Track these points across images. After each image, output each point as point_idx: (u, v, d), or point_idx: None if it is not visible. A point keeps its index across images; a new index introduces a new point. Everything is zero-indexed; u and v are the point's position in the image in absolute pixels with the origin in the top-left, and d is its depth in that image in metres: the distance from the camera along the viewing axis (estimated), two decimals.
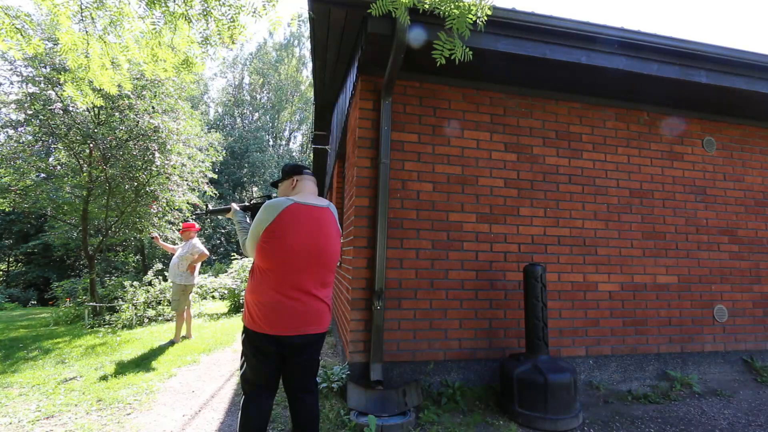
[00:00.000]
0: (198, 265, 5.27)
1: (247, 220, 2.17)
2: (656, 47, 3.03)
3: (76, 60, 2.53)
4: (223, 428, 2.63)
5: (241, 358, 1.92)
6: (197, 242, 5.27)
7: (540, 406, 2.66)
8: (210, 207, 2.42)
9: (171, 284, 5.44)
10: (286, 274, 1.77)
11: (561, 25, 2.84)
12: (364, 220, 3.13)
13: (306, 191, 2.00)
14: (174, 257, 5.28)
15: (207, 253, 5.30)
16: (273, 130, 33.41)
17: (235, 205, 2.25)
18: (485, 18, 2.27)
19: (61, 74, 3.00)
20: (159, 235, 8.93)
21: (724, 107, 3.90)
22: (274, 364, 1.85)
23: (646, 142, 3.82)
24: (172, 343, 4.95)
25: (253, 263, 1.90)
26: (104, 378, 3.60)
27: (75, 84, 2.62)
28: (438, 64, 2.33)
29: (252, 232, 1.85)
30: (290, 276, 1.77)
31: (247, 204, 2.31)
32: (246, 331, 1.85)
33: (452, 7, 2.11)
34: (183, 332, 5.24)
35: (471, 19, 2.17)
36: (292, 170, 2.04)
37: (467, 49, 2.32)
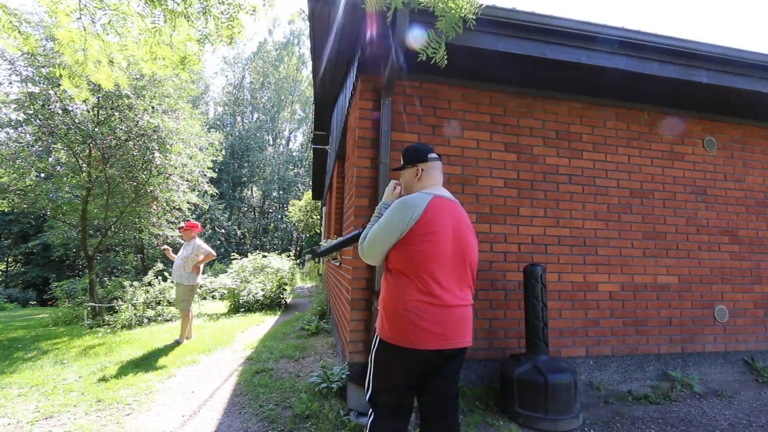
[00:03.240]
0: (201, 265, 5.24)
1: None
2: (657, 47, 3.02)
3: (73, 56, 2.53)
4: (222, 428, 2.62)
5: (369, 374, 1.69)
6: (201, 243, 5.24)
7: (540, 407, 2.65)
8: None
9: (175, 285, 5.39)
10: (433, 276, 1.55)
11: (561, 24, 2.83)
12: (364, 220, 3.12)
13: (435, 182, 1.72)
14: (177, 258, 5.23)
15: (214, 253, 5.27)
16: (273, 129, 33.44)
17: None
18: (473, 18, 2.33)
19: (56, 68, 2.98)
20: (159, 234, 8.91)
21: (724, 107, 3.89)
22: (412, 383, 1.63)
23: (647, 142, 3.81)
24: (177, 343, 4.94)
25: (388, 265, 1.67)
26: (103, 378, 3.59)
27: (71, 80, 2.61)
28: (419, 59, 2.41)
29: (384, 232, 1.60)
30: (439, 279, 1.56)
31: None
32: (383, 344, 1.62)
33: (446, 4, 2.14)
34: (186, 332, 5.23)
35: (461, 14, 2.22)
36: (416, 155, 1.74)
37: (445, 53, 2.47)
